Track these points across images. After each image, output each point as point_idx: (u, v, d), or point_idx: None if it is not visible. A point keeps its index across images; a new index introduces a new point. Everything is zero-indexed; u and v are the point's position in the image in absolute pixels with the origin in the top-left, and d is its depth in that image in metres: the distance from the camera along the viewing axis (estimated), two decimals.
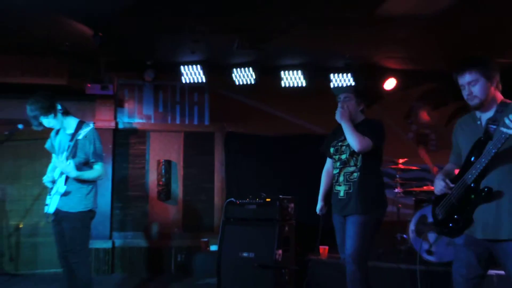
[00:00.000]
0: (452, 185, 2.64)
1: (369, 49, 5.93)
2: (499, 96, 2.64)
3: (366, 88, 6.33)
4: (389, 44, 5.69)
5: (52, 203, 3.67)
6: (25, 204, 6.43)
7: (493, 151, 2.41)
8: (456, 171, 2.75)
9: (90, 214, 3.76)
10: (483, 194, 2.49)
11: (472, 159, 2.57)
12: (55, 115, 3.72)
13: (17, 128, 3.98)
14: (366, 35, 5.40)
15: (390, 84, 6.63)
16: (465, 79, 2.62)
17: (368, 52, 6.08)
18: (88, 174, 3.70)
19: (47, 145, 3.97)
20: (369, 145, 3.41)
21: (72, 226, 3.66)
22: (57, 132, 3.91)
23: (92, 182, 3.78)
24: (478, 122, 2.67)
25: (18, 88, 5.76)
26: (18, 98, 4.97)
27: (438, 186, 2.72)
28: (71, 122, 3.79)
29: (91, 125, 3.64)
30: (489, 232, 2.50)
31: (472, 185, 2.54)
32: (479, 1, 4.40)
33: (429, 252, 4.56)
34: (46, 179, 3.77)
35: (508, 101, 2.64)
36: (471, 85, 2.60)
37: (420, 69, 6.70)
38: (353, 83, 6.42)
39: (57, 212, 3.67)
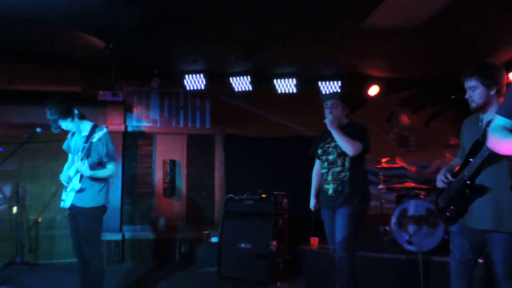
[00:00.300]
0: (452, 179, 2.69)
1: (355, 59, 5.93)
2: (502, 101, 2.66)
3: (351, 94, 6.37)
4: (373, 54, 5.70)
5: (67, 199, 3.68)
6: (43, 200, 6.43)
7: (486, 153, 2.44)
8: (457, 168, 2.78)
9: (102, 209, 3.76)
10: (476, 190, 2.54)
11: (470, 158, 2.60)
12: (73, 119, 3.72)
13: (36, 131, 3.98)
14: (353, 46, 5.40)
15: (373, 90, 6.65)
16: (467, 84, 2.67)
17: (354, 62, 6.08)
18: (101, 173, 3.70)
19: (64, 146, 3.97)
20: (360, 149, 3.49)
21: (85, 220, 3.66)
22: (73, 134, 3.90)
23: (104, 180, 3.77)
24: (480, 124, 2.69)
25: (37, 95, 5.74)
26: (37, 104, 4.95)
27: (439, 180, 2.76)
28: (86, 126, 3.79)
29: (105, 129, 3.62)
30: (478, 222, 2.55)
31: (468, 181, 2.58)
32: (460, 14, 4.41)
33: (409, 242, 4.58)
34: (63, 178, 3.77)
35: None
36: (471, 90, 2.64)
37: (401, 76, 6.71)
38: (339, 90, 6.45)
39: (72, 207, 3.67)
